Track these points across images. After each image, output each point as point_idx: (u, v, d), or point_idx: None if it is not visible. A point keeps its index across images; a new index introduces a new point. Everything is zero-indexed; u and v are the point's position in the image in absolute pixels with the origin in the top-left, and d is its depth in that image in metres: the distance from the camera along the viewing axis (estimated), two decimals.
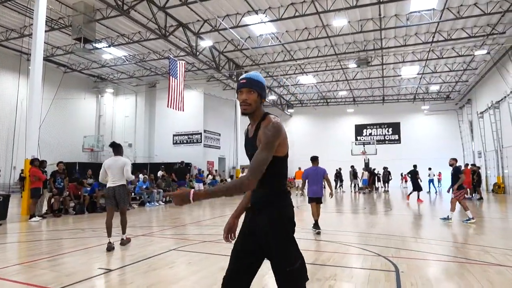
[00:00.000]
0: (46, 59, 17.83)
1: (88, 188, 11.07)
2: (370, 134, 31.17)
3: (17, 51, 20.01)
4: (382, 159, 25.60)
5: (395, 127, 30.68)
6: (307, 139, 32.08)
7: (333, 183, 21.85)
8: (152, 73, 23.69)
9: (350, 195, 19.78)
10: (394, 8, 14.76)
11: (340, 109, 31.65)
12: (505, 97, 18.39)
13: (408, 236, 6.83)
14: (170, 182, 14.99)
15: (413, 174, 15.18)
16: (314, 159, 7.70)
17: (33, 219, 8.72)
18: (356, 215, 10.88)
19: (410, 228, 8.10)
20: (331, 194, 7.70)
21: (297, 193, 19.22)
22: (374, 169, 23.44)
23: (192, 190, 1.76)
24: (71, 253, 5.24)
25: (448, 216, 8.59)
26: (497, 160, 20.16)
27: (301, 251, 1.97)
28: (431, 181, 21.56)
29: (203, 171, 21.26)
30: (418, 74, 23.04)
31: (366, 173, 22.12)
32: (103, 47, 19.02)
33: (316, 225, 7.30)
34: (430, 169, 21.39)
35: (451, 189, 8.81)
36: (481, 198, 15.36)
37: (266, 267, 2.01)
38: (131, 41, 18.35)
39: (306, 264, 1.99)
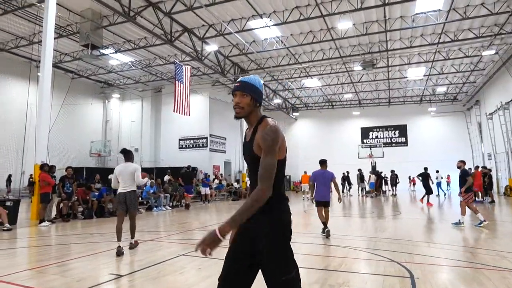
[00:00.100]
0: (54, 65, 18.03)
1: (96, 193, 11.12)
2: (377, 137, 30.97)
3: (26, 58, 20.29)
4: (389, 162, 25.40)
5: (402, 130, 30.44)
6: (313, 142, 31.99)
7: (340, 187, 21.77)
8: (158, 78, 23.85)
9: (358, 199, 19.62)
10: (399, 9, 14.71)
11: (346, 112, 31.52)
12: None
13: (419, 240, 6.73)
14: (177, 186, 15.01)
15: (425, 177, 14.88)
16: (323, 162, 7.69)
17: (43, 224, 8.78)
18: (365, 219, 10.78)
19: (422, 233, 7.99)
20: (339, 199, 7.67)
21: (303, 197, 19.15)
22: (381, 172, 23.26)
23: (215, 228, 1.70)
24: (80, 258, 5.25)
25: (459, 220, 8.45)
26: (508, 162, 19.86)
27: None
28: (438, 184, 21.32)
29: (209, 176, 21.28)
30: (424, 75, 22.88)
31: (373, 177, 21.95)
32: (110, 53, 19.22)
33: (324, 229, 7.26)
34: (437, 171, 21.17)
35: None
36: (492, 201, 15.10)
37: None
38: (137, 47, 18.51)
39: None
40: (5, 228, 7.87)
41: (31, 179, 18.80)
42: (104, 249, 5.90)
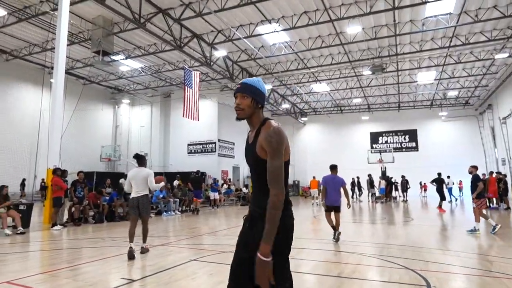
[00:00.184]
0: (66, 71, 18.31)
1: (107, 198, 11.20)
2: (386, 142, 30.67)
3: (39, 64, 20.71)
4: (399, 167, 25.08)
5: (412, 134, 30.08)
6: (321, 147, 31.84)
7: (350, 193, 21.56)
8: (167, 83, 24.07)
9: (368, 205, 19.40)
10: (409, 13, 14.62)
11: (355, 117, 31.33)
12: None
13: (434, 248, 6.59)
14: (186, 191, 15.04)
15: (439, 182, 14.56)
16: (333, 167, 7.71)
17: (55, 227, 8.86)
18: (376, 225, 10.62)
19: (436, 240, 7.83)
20: (348, 205, 7.66)
21: (312, 202, 19.00)
22: (391, 178, 22.98)
23: (258, 253, 1.67)
24: (92, 262, 5.26)
25: (474, 227, 8.25)
26: None
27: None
28: (450, 190, 20.94)
29: (217, 180, 21.29)
30: (435, 79, 22.64)
31: (383, 182, 21.69)
32: (121, 59, 19.49)
33: (335, 234, 7.23)
34: (448, 177, 20.80)
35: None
36: (508, 208, 14.72)
37: None
38: (147, 53, 18.74)
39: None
40: (19, 232, 7.97)
41: (43, 184, 19.10)
42: (115, 253, 5.91)
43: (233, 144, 26.01)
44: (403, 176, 22.16)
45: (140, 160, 5.93)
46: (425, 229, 9.52)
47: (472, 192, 8.48)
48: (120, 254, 5.80)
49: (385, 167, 24.04)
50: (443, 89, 25.13)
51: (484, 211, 8.55)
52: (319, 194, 20.14)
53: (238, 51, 18.77)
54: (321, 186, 7.84)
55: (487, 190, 10.82)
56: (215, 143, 24.30)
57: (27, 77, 21.06)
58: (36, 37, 17.43)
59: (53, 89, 10.99)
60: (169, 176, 20.22)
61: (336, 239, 7.11)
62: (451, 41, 16.68)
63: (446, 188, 14.97)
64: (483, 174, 17.20)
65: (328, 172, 7.64)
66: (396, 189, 23.37)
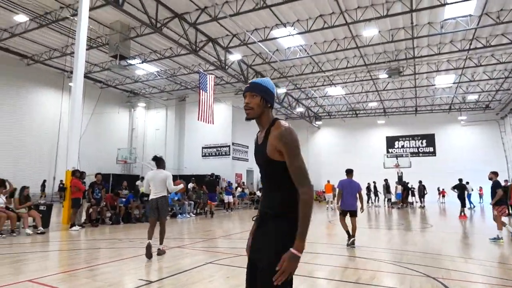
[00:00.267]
0: (84, 75, 18.84)
1: (124, 199, 11.34)
2: (403, 146, 30.10)
3: (59, 69, 21.30)
4: (416, 173, 24.58)
5: (430, 139, 29.41)
6: (336, 152, 31.52)
7: (365, 197, 21.22)
8: (182, 87, 24.32)
9: (384, 210, 19.06)
10: (427, 16, 14.37)
11: (370, 121, 30.91)
12: None
13: (455, 255, 6.39)
14: (201, 194, 15.11)
15: (461, 189, 14.10)
16: (350, 172, 7.76)
17: (73, 228, 9.03)
18: (394, 232, 10.40)
19: (457, 247, 7.59)
20: (361, 209, 7.72)
21: (327, 207, 18.78)
22: (408, 183, 22.52)
23: (292, 249, 1.69)
24: (110, 263, 5.32)
25: (497, 235, 7.98)
26: None
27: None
28: (469, 196, 20.33)
29: (231, 184, 21.33)
30: (453, 83, 22.13)
31: (399, 187, 21.28)
32: (137, 63, 19.82)
33: (349, 239, 7.18)
34: (467, 183, 20.21)
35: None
36: None
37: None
38: (162, 57, 19.00)
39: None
40: (39, 231, 8.15)
41: (61, 185, 19.55)
42: (132, 254, 5.96)
43: (247, 147, 26.03)
44: (420, 182, 21.69)
45: (159, 162, 5.99)
46: (445, 236, 9.26)
47: (492, 199, 8.25)
48: (137, 255, 5.85)
49: (402, 172, 23.59)
50: (463, 93, 24.52)
51: (503, 218, 8.28)
52: (333, 199, 19.94)
53: (253, 54, 18.82)
54: (337, 189, 7.81)
55: (510, 197, 10.44)
56: (229, 146, 24.37)
57: (47, 81, 21.67)
58: (56, 42, 17.90)
59: (72, 92, 11.24)
60: (184, 179, 20.34)
61: (351, 243, 7.05)
62: (471, 44, 16.28)
63: (466, 194, 14.53)
64: (505, 181, 16.66)
65: (343, 176, 7.64)
66: (413, 195, 22.89)
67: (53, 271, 4.78)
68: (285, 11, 14.28)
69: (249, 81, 2.00)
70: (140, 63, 19.77)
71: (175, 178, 6.48)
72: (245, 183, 24.28)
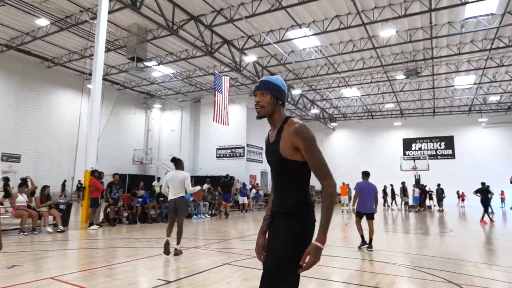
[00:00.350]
0: (102, 77, 19.31)
1: (140, 199, 11.49)
2: (420, 149, 29.46)
3: (78, 71, 21.82)
4: (434, 175, 24.03)
5: (448, 141, 28.68)
6: (351, 154, 31.14)
7: (381, 200, 20.88)
8: (197, 89, 24.53)
9: (401, 214, 18.69)
10: (447, 15, 14.05)
11: (386, 122, 30.42)
12: None
13: (478, 261, 6.18)
14: (216, 195, 15.17)
15: (484, 193, 13.70)
16: (367, 174, 7.70)
17: (92, 227, 9.20)
18: (412, 235, 10.17)
19: (479, 253, 7.34)
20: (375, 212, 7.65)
21: (342, 209, 18.54)
22: (425, 186, 22.03)
23: (314, 242, 1.71)
24: (129, 262, 5.37)
25: None
26: None
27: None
28: (489, 200, 19.68)
29: (245, 185, 21.31)
30: (474, 84, 21.54)
31: (417, 190, 20.84)
32: (153, 65, 20.10)
33: (364, 242, 7.16)
34: (488, 187, 19.61)
35: None
36: None
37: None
38: (178, 59, 19.21)
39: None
40: (59, 230, 8.33)
41: (79, 185, 19.99)
42: (150, 254, 6.02)
43: (261, 149, 26.00)
44: (438, 185, 21.18)
45: (177, 163, 6.09)
46: (466, 241, 8.99)
47: None
48: (154, 255, 5.90)
49: (419, 175, 23.10)
50: (483, 94, 23.83)
51: None
52: (349, 201, 19.66)
53: (268, 56, 18.81)
54: (354, 192, 7.74)
55: None
56: (243, 147, 24.41)
57: (66, 83, 22.23)
58: (75, 45, 18.34)
59: (91, 94, 11.46)
60: (199, 180, 20.52)
61: (364, 244, 7.07)
62: (492, 43, 15.83)
63: (491, 198, 14.09)
64: None
65: (359, 179, 7.61)
66: (431, 198, 22.37)
67: (73, 269, 4.87)
68: (300, 12, 14.22)
69: (259, 79, 1.98)
70: (156, 65, 20.05)
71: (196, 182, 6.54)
72: (259, 185, 24.25)
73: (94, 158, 10.80)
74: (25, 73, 20.04)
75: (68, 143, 21.98)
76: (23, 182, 8.67)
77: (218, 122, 16.13)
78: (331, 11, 14.17)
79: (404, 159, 25.91)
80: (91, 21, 14.60)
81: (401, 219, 15.57)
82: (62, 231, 8.32)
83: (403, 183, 20.92)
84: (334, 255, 6.32)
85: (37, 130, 20.57)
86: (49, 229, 8.24)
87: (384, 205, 21.76)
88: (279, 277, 1.71)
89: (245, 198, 17.01)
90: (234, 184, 21.35)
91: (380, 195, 18.89)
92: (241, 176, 23.24)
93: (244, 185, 18.78)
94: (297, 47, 17.27)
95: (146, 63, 19.35)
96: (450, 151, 28.55)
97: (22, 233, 7.72)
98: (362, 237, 7.19)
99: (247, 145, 24.55)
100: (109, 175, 15.61)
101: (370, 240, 7.14)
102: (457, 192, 24.39)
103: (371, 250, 6.97)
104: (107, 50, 17.45)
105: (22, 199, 8.24)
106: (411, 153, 29.29)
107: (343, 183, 18.87)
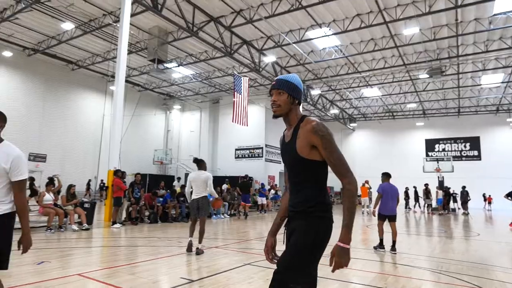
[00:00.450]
0: (125, 80, 19.77)
1: (161, 199, 11.66)
2: (444, 150, 28.56)
3: (100, 73, 22.42)
4: (459, 177, 23.27)
5: (474, 142, 27.64)
6: (371, 154, 30.58)
7: (403, 202, 20.38)
8: (216, 89, 24.71)
9: (424, 216, 18.18)
10: (474, 11, 13.56)
11: (408, 123, 29.68)
12: None
13: (509, 267, 5.92)
14: (235, 195, 15.22)
15: None
16: (389, 176, 7.60)
17: (115, 225, 9.41)
18: (435, 239, 9.85)
19: (511, 258, 7.03)
20: None
21: (362, 211, 18.18)
22: (449, 188, 21.34)
23: (338, 242, 1.69)
24: (152, 260, 5.45)
25: None
26: None
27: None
28: None
29: (264, 185, 21.28)
30: (502, 82, 20.69)
31: (440, 192, 20.22)
32: (173, 66, 20.40)
33: (381, 245, 7.10)
34: None
35: None
36: None
37: None
38: (198, 60, 19.42)
39: None
40: (84, 228, 8.57)
41: (102, 184, 20.53)
42: (171, 253, 6.09)
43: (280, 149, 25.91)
44: (463, 187, 20.46)
45: (199, 164, 6.20)
46: (494, 246, 8.62)
47: None
48: (176, 254, 5.97)
49: (443, 177, 22.40)
50: None
51: None
52: (370, 202, 19.28)
53: (287, 56, 18.73)
54: (377, 194, 7.62)
55: None
56: (262, 148, 24.39)
57: (90, 85, 22.89)
58: (98, 48, 18.85)
59: (114, 96, 11.74)
60: (218, 180, 20.66)
61: (381, 246, 7.03)
62: None
63: None
64: None
65: (379, 180, 7.56)
66: (455, 201, 21.65)
67: (98, 266, 4.98)
68: (321, 12, 14.08)
69: (275, 78, 1.96)
70: (176, 66, 20.33)
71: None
72: (278, 185, 24.16)
73: (117, 158, 11.05)
74: (50, 75, 20.77)
75: (92, 143, 22.64)
76: (50, 181, 8.96)
77: (238, 123, 16.17)
78: (352, 10, 13.96)
79: (426, 160, 25.22)
80: (114, 24, 14.98)
81: (424, 221, 15.14)
82: (87, 229, 8.55)
83: (426, 184, 20.33)
84: (356, 257, 6.20)
85: (62, 131, 21.26)
86: (75, 227, 8.48)
87: (406, 207, 21.21)
88: (292, 277, 1.70)
89: (264, 199, 16.98)
90: (253, 185, 21.37)
91: (401, 197, 18.40)
92: (259, 176, 23.23)
93: (262, 185, 18.75)
94: (316, 47, 17.11)
95: (167, 65, 19.66)
96: (475, 152, 27.51)
97: (49, 230, 7.98)
98: (382, 240, 7.13)
99: (266, 145, 24.51)
100: (130, 175, 15.97)
101: (394, 242, 7.02)
102: (483, 195, 23.50)
103: (395, 253, 6.82)
104: (129, 52, 17.82)
105: (49, 197, 8.52)
106: (434, 154, 28.45)
107: (363, 184, 18.41)
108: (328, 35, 15.52)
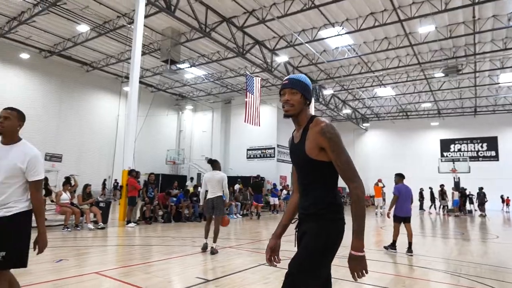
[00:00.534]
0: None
1: (174, 199, 11.74)
2: (459, 150, 27.95)
3: (114, 74, 22.74)
4: (475, 178, 22.73)
5: (491, 142, 26.93)
6: (384, 154, 30.17)
7: (417, 203, 20.02)
8: (228, 90, 24.78)
9: (439, 218, 17.82)
10: (492, 8, 13.23)
11: (423, 123, 29.16)
12: None
13: None
14: (247, 195, 15.23)
15: None
16: (403, 176, 7.49)
17: (130, 225, 9.52)
18: (452, 241, 9.64)
19: None
20: None
21: (376, 211, 17.94)
22: (465, 189, 20.87)
23: (350, 251, 1.67)
24: (167, 260, 5.49)
25: None
26: None
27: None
28: None
29: (276, 185, 21.23)
30: None
31: (456, 193, 19.79)
32: (186, 67, 20.54)
33: (394, 246, 7.03)
34: None
35: None
36: None
37: None
38: (210, 61, 19.50)
39: None
40: (99, 227, 8.69)
41: (115, 184, 20.81)
42: (186, 252, 6.11)
43: None
44: (480, 188, 19.98)
45: (214, 164, 6.29)
46: None
47: None
48: (191, 254, 5.99)
49: (459, 178, 21.93)
50: None
51: None
52: (383, 203, 19.00)
53: (299, 56, 18.65)
54: (387, 194, 7.53)
55: None
56: (274, 148, 24.34)
57: (104, 86, 23.26)
58: (112, 50, 19.13)
59: (128, 97, 11.87)
60: (230, 180, 20.67)
61: (393, 247, 6.95)
62: None
63: None
64: None
65: (392, 181, 7.48)
66: (471, 202, 21.17)
67: (115, 265, 5.03)
68: (334, 11, 13.97)
69: (286, 77, 1.93)
70: (188, 67, 20.47)
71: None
72: (290, 186, 24.05)
73: (131, 158, 11.17)
74: (66, 77, 21.19)
75: (107, 143, 22.99)
76: (67, 180, 9.12)
77: (250, 123, 16.16)
78: (365, 9, 13.81)
79: (442, 161, 24.72)
80: (128, 25, 15.17)
81: (439, 223, 14.85)
82: (102, 228, 8.67)
83: (442, 185, 19.92)
84: (372, 258, 6.11)
85: (78, 131, 21.66)
86: (91, 225, 8.60)
87: (420, 209, 20.84)
88: (303, 279, 1.68)
89: (276, 199, 16.93)
90: (265, 185, 21.33)
91: (416, 197, 18.04)
92: (271, 177, 23.19)
93: (274, 185, 18.71)
94: (329, 46, 16.98)
95: (179, 66, 19.80)
96: (493, 153, 26.81)
97: (66, 229, 8.12)
98: (395, 241, 7.06)
99: (278, 145, 24.45)
100: (144, 174, 16.13)
101: (410, 244, 6.91)
102: (501, 196, 22.92)
103: (411, 255, 6.70)
104: (143, 53, 17.97)
105: (65, 196, 8.67)
106: (449, 154, 27.88)
107: (377, 184, 18.05)
108: (341, 34, 15.38)
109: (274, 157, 24.26)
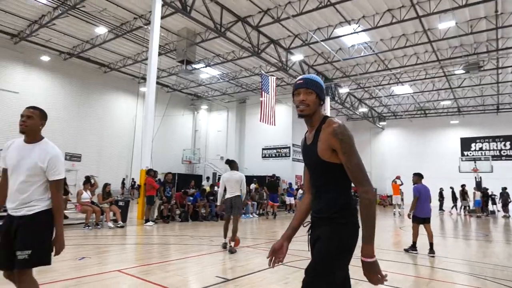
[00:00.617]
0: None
1: (191, 198, 11.83)
2: (481, 149, 27.08)
3: (131, 75, 23.11)
4: (498, 178, 22.02)
5: None
6: (402, 153, 29.58)
7: (437, 203, 19.53)
8: (243, 89, 24.81)
9: (460, 218, 17.36)
10: None
11: (442, 121, 28.45)
12: None
13: None
14: (263, 195, 15.21)
15: None
16: (421, 176, 7.33)
17: (148, 223, 9.65)
18: (475, 242, 9.36)
19: None
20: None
21: (394, 211, 17.61)
22: (487, 189, 20.23)
23: (361, 258, 1.65)
24: (185, 259, 5.53)
25: None
26: None
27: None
28: None
29: (291, 185, 21.13)
30: None
31: (478, 194, 19.21)
32: (201, 67, 20.67)
33: (414, 247, 6.89)
34: None
35: None
36: None
37: None
38: (225, 60, 19.56)
39: None
40: (119, 225, 8.84)
41: (133, 183, 21.13)
42: (204, 252, 6.15)
43: None
44: (504, 188, 19.34)
45: (231, 164, 6.38)
46: None
47: None
48: (209, 253, 6.03)
49: (481, 177, 21.29)
50: None
51: None
52: (401, 201, 18.57)
53: (315, 54, 18.49)
54: (407, 194, 7.39)
55: None
56: (289, 147, 24.24)
57: (122, 87, 23.67)
58: (129, 51, 19.44)
59: (145, 98, 12.01)
60: (245, 180, 20.74)
61: (414, 249, 6.82)
62: None
63: None
64: None
65: (410, 181, 7.42)
66: (494, 203, 20.50)
67: (135, 263, 5.10)
68: (350, 8, 13.78)
69: (300, 77, 1.91)
70: (204, 67, 20.59)
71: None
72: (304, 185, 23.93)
73: (149, 158, 11.32)
74: (85, 78, 21.67)
75: (125, 143, 23.40)
76: (87, 179, 9.31)
77: (266, 122, 16.15)
78: (382, 5, 13.57)
79: (462, 160, 24.05)
80: (145, 27, 15.38)
81: (461, 224, 14.45)
82: (121, 227, 8.82)
83: (463, 185, 19.37)
84: (393, 260, 5.99)
85: (96, 131, 22.12)
86: (110, 224, 8.76)
87: (440, 209, 20.34)
88: (317, 284, 1.67)
89: (292, 199, 16.86)
90: (280, 184, 21.27)
91: (435, 198, 17.58)
92: (286, 176, 23.11)
93: (290, 185, 18.63)
94: (345, 44, 16.78)
95: (195, 66, 19.95)
96: None
97: (87, 227, 8.29)
98: (415, 243, 6.92)
99: (293, 145, 24.33)
100: (160, 174, 16.32)
101: (431, 244, 6.75)
102: None
103: (433, 256, 6.54)
104: (159, 54, 18.16)
105: (86, 195, 8.86)
106: (470, 153, 27.08)
107: (395, 181, 17.55)
108: (357, 32, 15.16)
109: (289, 156, 24.16)
